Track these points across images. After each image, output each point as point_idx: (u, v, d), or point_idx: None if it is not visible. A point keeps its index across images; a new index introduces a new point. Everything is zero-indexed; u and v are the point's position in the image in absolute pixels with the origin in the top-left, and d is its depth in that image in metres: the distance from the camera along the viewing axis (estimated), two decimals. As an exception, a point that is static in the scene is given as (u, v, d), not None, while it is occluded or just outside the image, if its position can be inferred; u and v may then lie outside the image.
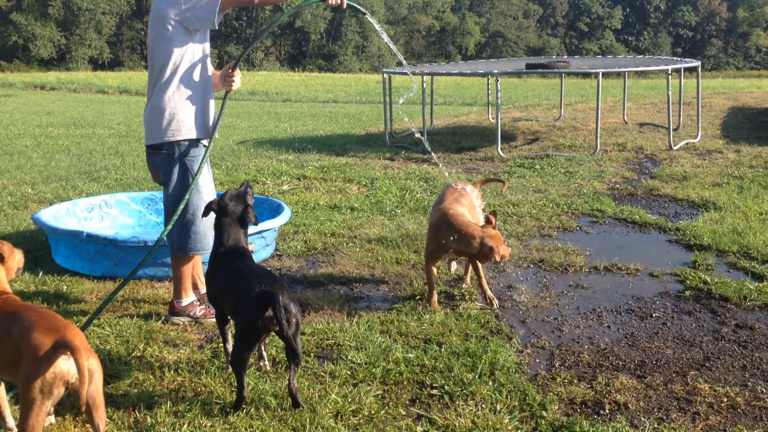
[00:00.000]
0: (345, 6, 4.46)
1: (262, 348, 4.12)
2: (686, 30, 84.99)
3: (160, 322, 4.83)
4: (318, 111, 22.22)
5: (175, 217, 4.44)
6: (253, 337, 3.55)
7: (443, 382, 3.94)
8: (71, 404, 3.60)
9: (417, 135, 5.55)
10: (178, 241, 4.72)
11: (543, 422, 3.56)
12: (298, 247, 6.55)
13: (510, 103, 21.31)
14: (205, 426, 3.48)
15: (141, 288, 5.50)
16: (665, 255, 6.37)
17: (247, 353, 3.55)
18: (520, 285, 5.59)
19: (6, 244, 3.60)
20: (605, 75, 11.87)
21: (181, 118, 4.58)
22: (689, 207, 8.10)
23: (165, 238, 4.53)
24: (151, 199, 7.09)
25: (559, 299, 5.32)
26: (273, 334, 3.57)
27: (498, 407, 3.68)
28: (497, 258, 4.90)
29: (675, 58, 17.11)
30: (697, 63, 13.22)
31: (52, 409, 3.25)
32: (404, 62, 5.14)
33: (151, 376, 4.01)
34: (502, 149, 11.65)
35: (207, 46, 4.67)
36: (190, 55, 4.57)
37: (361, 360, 4.19)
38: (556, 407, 3.73)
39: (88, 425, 3.37)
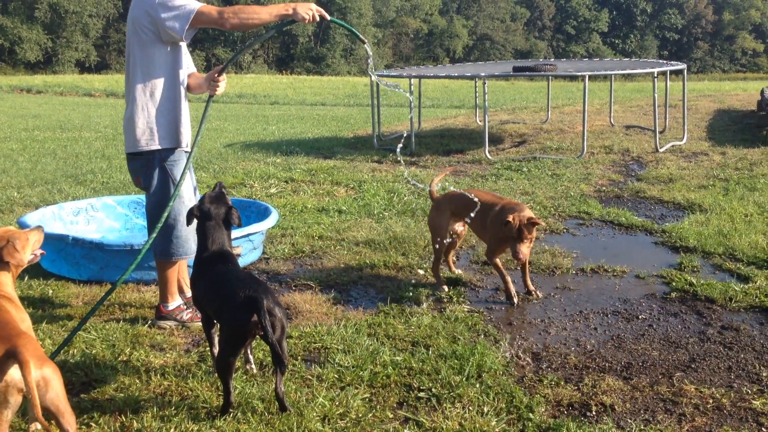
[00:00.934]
0: (329, 19, 4.40)
1: (249, 352, 4.10)
2: (672, 33, 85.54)
3: (146, 326, 4.81)
4: (306, 114, 22.20)
5: (159, 225, 4.42)
6: (238, 342, 3.54)
7: (430, 384, 3.94)
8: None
9: (398, 152, 5.63)
10: (161, 246, 4.71)
11: (530, 424, 3.57)
12: (286, 250, 6.54)
13: (497, 105, 21.37)
14: (192, 430, 3.46)
15: (127, 292, 5.48)
16: (651, 257, 6.40)
17: (233, 358, 3.54)
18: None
19: (10, 240, 3.56)
20: (592, 78, 11.94)
21: (154, 129, 4.57)
22: (675, 209, 8.15)
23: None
24: (138, 202, 7.06)
25: (546, 301, 5.34)
26: (260, 338, 3.56)
27: (485, 409, 3.68)
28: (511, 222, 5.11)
29: (661, 61, 17.20)
30: (683, 66, 13.29)
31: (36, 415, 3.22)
32: (399, 88, 5.10)
33: (137, 381, 3.99)
34: (489, 152, 11.68)
35: (181, 54, 4.61)
36: (164, 63, 4.53)
37: (348, 363, 4.19)
38: (543, 409, 3.74)
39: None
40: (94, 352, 4.37)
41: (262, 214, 6.59)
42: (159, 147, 4.61)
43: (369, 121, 15.86)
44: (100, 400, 3.80)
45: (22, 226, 5.99)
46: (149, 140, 4.59)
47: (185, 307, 4.91)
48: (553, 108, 17.47)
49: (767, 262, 5.97)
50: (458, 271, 5.98)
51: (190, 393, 3.86)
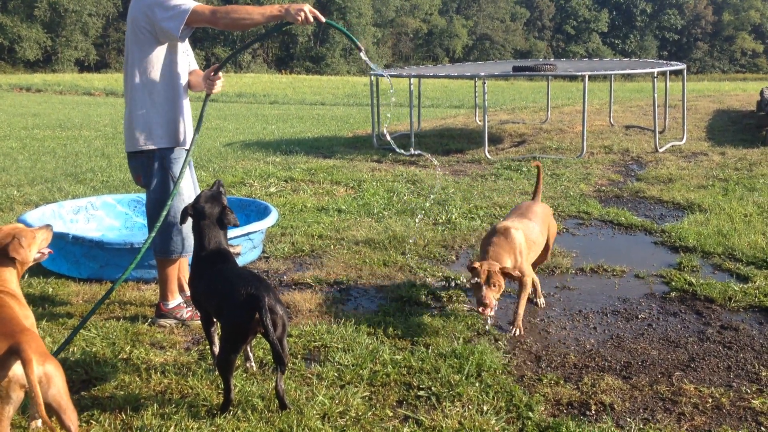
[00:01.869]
0: (323, 21, 4.36)
1: (249, 349, 4.11)
2: (672, 33, 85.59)
3: (146, 324, 4.81)
4: (305, 113, 22.20)
5: (159, 223, 4.42)
6: (239, 340, 3.55)
7: (430, 383, 3.95)
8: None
9: (387, 135, 5.38)
10: (161, 243, 4.71)
11: (529, 423, 3.57)
12: (286, 249, 6.54)
13: (497, 105, 21.37)
14: (192, 428, 3.47)
15: (127, 290, 5.48)
16: (651, 257, 6.41)
17: (234, 355, 3.54)
18: (507, 287, 5.60)
19: (16, 236, 3.56)
20: (592, 78, 11.94)
21: (153, 128, 4.59)
22: (675, 209, 8.15)
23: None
24: (138, 201, 7.06)
25: (546, 300, 5.34)
26: (260, 336, 3.56)
27: (485, 408, 3.69)
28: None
29: (661, 61, 17.21)
30: (682, 66, 13.30)
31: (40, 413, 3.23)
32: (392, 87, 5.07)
33: (137, 379, 4.00)
34: (489, 151, 11.69)
35: (179, 53, 4.61)
36: (162, 63, 4.54)
37: (348, 362, 4.19)
38: (543, 408, 3.74)
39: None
40: (94, 350, 4.37)
41: (262, 213, 6.60)
42: (158, 146, 4.62)
43: (368, 120, 15.87)
44: (101, 397, 3.80)
45: (23, 224, 5.99)
46: (148, 139, 4.61)
47: (185, 305, 4.91)
48: (553, 108, 17.48)
49: (766, 262, 5.98)
50: None
51: (190, 391, 3.86)
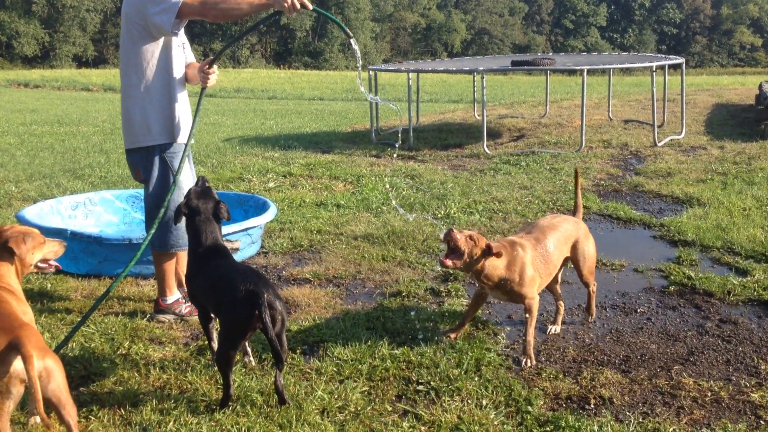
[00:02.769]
0: (311, 8, 4.32)
1: (246, 344, 4.10)
2: (671, 27, 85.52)
3: (145, 319, 4.81)
4: (304, 108, 22.18)
5: (158, 221, 4.41)
6: (238, 335, 3.54)
7: (429, 378, 3.95)
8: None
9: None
10: (159, 237, 4.70)
11: (529, 417, 3.57)
12: (284, 245, 6.54)
13: (496, 100, 21.35)
14: (191, 423, 3.47)
15: (126, 286, 5.48)
16: (650, 251, 6.41)
17: (233, 351, 3.54)
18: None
19: (24, 234, 3.56)
20: (590, 72, 11.93)
21: (151, 124, 4.59)
22: (673, 203, 8.15)
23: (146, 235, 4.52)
24: (136, 196, 7.05)
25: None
26: (259, 331, 3.56)
27: (484, 402, 3.69)
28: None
29: (659, 55, 17.19)
30: (681, 60, 13.28)
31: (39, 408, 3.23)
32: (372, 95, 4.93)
33: (136, 374, 3.99)
34: (487, 146, 11.68)
35: (174, 47, 4.60)
36: (156, 58, 4.54)
37: (347, 356, 4.19)
38: (542, 402, 3.74)
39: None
40: (93, 345, 4.37)
41: (261, 208, 6.59)
42: (156, 142, 4.62)
43: (367, 115, 15.85)
44: (100, 393, 3.80)
45: (21, 220, 5.99)
46: (146, 136, 4.61)
47: (184, 300, 4.91)
48: (552, 102, 17.46)
49: (765, 256, 5.98)
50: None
51: (189, 386, 3.86)
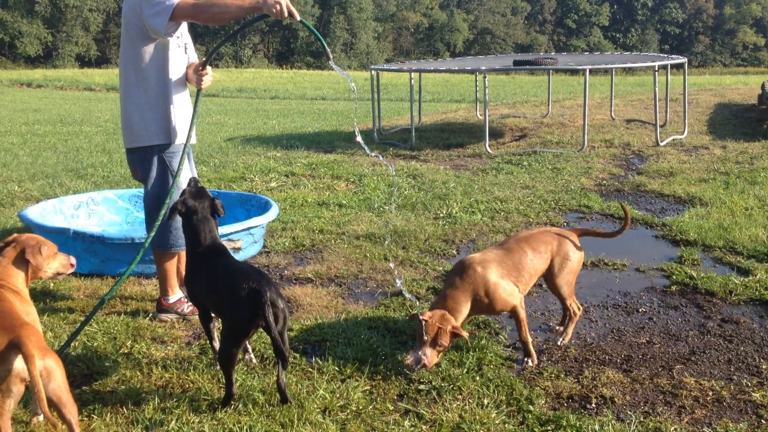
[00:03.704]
0: (298, 19, 4.34)
1: (247, 343, 4.11)
2: (673, 27, 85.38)
3: (147, 319, 4.82)
4: (306, 108, 22.19)
5: (159, 221, 4.42)
6: (241, 334, 3.55)
7: (431, 377, 3.95)
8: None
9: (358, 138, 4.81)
10: (159, 237, 4.71)
11: (530, 416, 3.58)
12: (286, 244, 6.54)
13: (498, 99, 21.34)
14: (193, 422, 3.47)
15: (128, 285, 5.49)
16: (652, 250, 6.41)
17: (235, 350, 3.55)
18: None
19: (39, 243, 3.59)
20: (593, 72, 11.92)
21: (148, 124, 4.62)
22: (675, 203, 8.15)
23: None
24: (139, 196, 7.05)
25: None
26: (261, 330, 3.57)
27: (485, 402, 3.70)
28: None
29: (662, 55, 17.18)
30: (683, 60, 13.27)
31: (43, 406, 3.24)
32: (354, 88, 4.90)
33: (138, 373, 4.00)
34: (490, 146, 11.68)
35: (172, 48, 4.61)
36: (153, 59, 4.56)
37: (349, 356, 4.20)
38: (543, 401, 3.75)
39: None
40: (95, 344, 4.38)
41: (263, 207, 6.60)
42: (153, 143, 4.64)
43: (369, 115, 15.85)
44: (102, 392, 3.81)
45: (23, 219, 6.00)
46: (144, 135, 4.65)
47: (186, 300, 4.92)
48: (554, 102, 17.45)
49: (767, 256, 5.98)
50: None
51: (191, 385, 3.87)
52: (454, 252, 6.35)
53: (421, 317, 3.98)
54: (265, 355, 4.21)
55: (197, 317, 4.75)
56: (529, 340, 4.26)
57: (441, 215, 7.51)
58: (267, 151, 11.92)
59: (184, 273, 5.04)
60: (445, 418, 3.53)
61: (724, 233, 6.58)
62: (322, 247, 6.48)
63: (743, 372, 4.10)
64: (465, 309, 4.14)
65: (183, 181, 4.68)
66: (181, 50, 4.70)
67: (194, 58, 4.87)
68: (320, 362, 4.13)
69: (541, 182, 9.17)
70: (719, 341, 4.51)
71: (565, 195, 8.40)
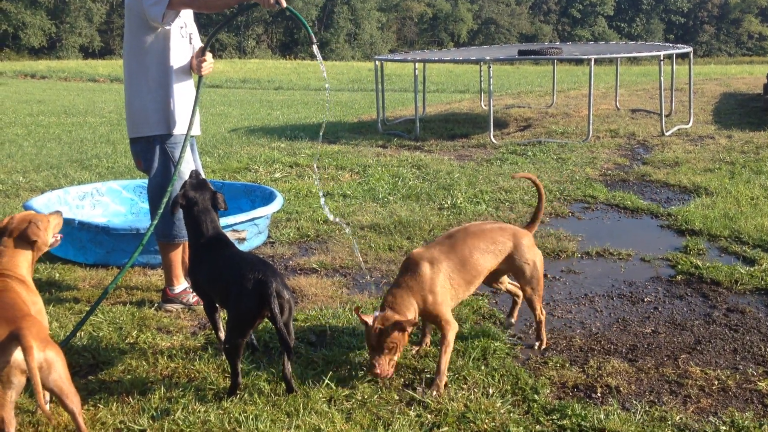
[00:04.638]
0: (284, 6, 4.37)
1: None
2: (678, 16, 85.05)
3: (153, 309, 4.83)
4: (310, 99, 22.15)
5: (161, 210, 4.43)
6: (246, 325, 3.56)
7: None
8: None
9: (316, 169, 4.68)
10: (163, 227, 4.72)
11: (535, 405, 3.58)
12: (291, 235, 6.55)
13: (502, 90, 21.28)
14: (199, 411, 3.48)
15: (134, 275, 5.50)
16: (657, 240, 6.40)
17: (241, 340, 3.55)
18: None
19: (32, 221, 3.59)
20: (597, 61, 11.87)
21: (150, 114, 4.63)
22: (681, 192, 8.13)
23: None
24: (143, 186, 7.05)
25: (552, 284, 5.34)
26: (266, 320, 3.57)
27: (490, 391, 3.70)
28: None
29: (667, 44, 17.10)
30: (689, 49, 13.21)
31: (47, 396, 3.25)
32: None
33: (144, 363, 4.01)
34: (494, 136, 11.65)
35: (174, 38, 4.61)
36: (154, 49, 4.57)
37: (354, 345, 4.20)
38: (548, 391, 3.75)
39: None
40: (101, 334, 4.39)
41: (267, 198, 6.60)
42: (155, 132, 4.65)
43: (373, 106, 15.84)
44: (108, 382, 3.82)
45: (28, 210, 6.00)
46: (145, 125, 4.67)
47: (191, 290, 4.92)
48: (559, 92, 17.40)
49: (773, 245, 5.97)
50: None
51: (197, 375, 3.88)
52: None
53: (362, 317, 3.70)
54: (270, 345, 4.22)
55: (202, 307, 4.78)
56: (445, 369, 3.78)
57: (446, 205, 7.51)
58: (271, 141, 11.91)
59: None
60: (450, 408, 3.53)
61: (729, 223, 6.56)
62: (326, 238, 6.48)
63: (749, 361, 4.09)
64: (413, 308, 3.80)
65: (185, 171, 4.68)
66: (185, 40, 4.70)
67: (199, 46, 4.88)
68: (325, 352, 4.14)
69: (546, 172, 9.15)
70: (725, 331, 4.50)
71: (570, 185, 8.38)
